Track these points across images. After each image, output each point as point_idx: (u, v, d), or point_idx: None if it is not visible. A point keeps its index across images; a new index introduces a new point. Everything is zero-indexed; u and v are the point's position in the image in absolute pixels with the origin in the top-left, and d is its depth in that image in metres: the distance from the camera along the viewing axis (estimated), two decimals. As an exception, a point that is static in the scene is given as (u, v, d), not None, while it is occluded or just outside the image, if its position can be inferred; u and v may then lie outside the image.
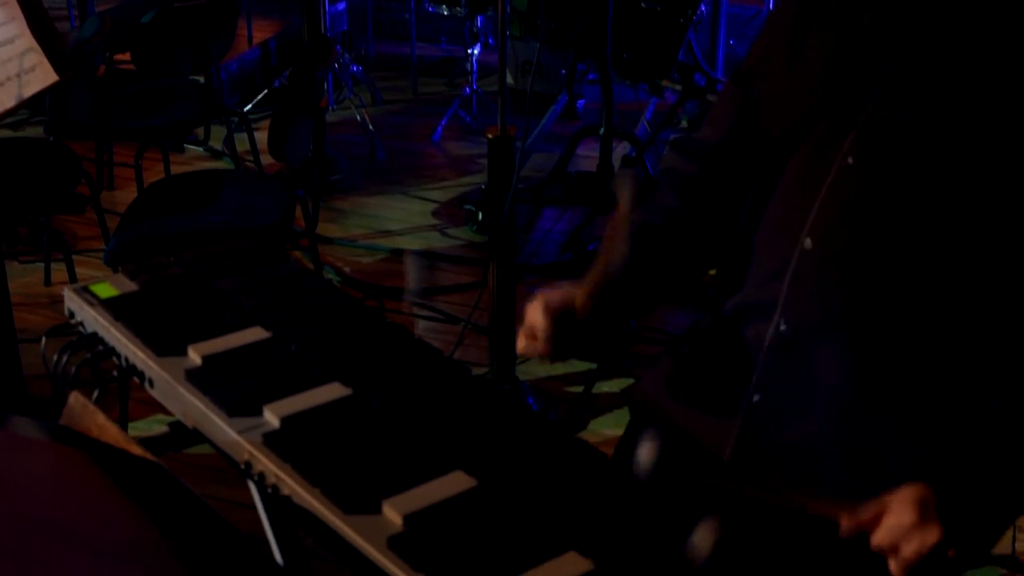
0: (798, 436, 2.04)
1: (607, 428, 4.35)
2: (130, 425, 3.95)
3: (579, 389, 4.56)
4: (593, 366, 4.67)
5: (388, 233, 5.87)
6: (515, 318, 4.39)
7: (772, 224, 2.11)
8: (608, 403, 4.51)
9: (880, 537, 1.82)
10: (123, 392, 3.94)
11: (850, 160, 1.97)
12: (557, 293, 2.19)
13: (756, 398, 2.09)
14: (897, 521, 1.81)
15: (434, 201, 6.24)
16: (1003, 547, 3.75)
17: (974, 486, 1.85)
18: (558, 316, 2.16)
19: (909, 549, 1.80)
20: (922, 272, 1.93)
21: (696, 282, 2.32)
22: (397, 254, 5.60)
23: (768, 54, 2.16)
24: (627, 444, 2.33)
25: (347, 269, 5.48)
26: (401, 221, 6.01)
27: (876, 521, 1.83)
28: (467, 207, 5.91)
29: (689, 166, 2.27)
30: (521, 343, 2.21)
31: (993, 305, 1.91)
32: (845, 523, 1.85)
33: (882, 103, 1.96)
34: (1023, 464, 1.85)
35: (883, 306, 1.96)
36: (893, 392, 1.98)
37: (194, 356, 2.23)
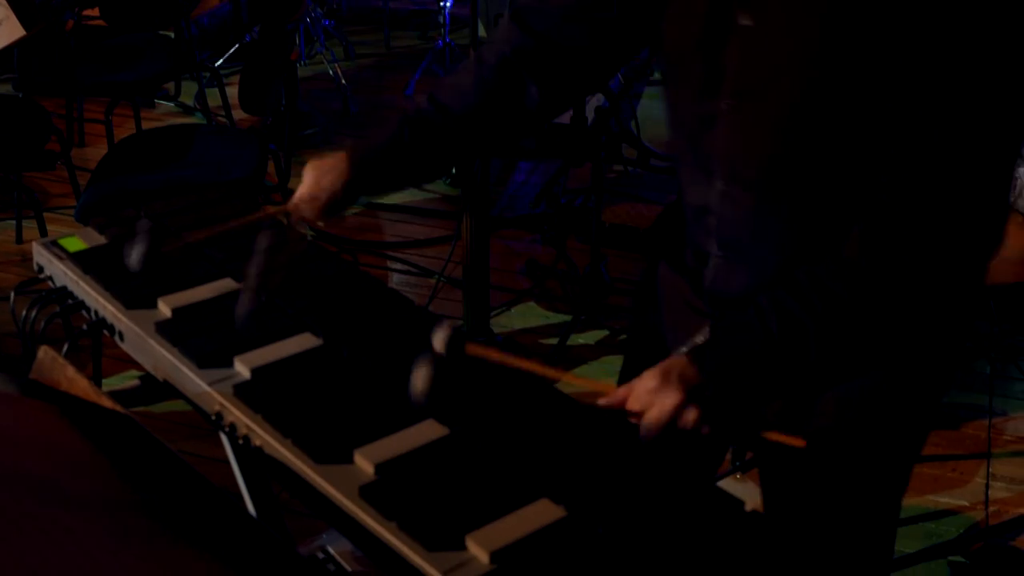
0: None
1: (582, 379, 4.34)
2: (104, 381, 3.93)
3: (554, 341, 4.56)
4: (568, 318, 4.67)
5: (361, 187, 5.84)
6: (489, 271, 4.40)
7: (685, 161, 2.12)
8: (583, 355, 4.51)
9: (632, 402, 1.87)
10: (96, 348, 3.93)
11: (724, 106, 1.95)
12: (324, 161, 2.27)
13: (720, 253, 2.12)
14: (643, 386, 1.86)
15: (407, 155, 6.20)
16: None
17: (727, 358, 1.87)
18: (322, 179, 2.24)
19: (651, 411, 1.84)
20: (827, 179, 1.93)
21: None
22: (371, 208, 5.58)
23: None
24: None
25: (320, 223, 5.45)
26: (374, 175, 5.98)
27: (629, 391, 1.89)
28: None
29: (508, 43, 2.22)
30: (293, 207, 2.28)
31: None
32: (602, 399, 1.92)
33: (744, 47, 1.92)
34: (788, 346, 1.85)
35: (798, 210, 1.97)
36: None
37: (164, 308, 2.22)
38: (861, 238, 1.85)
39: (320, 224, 2.32)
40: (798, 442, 1.91)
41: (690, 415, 1.84)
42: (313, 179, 2.24)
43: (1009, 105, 1.77)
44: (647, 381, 1.86)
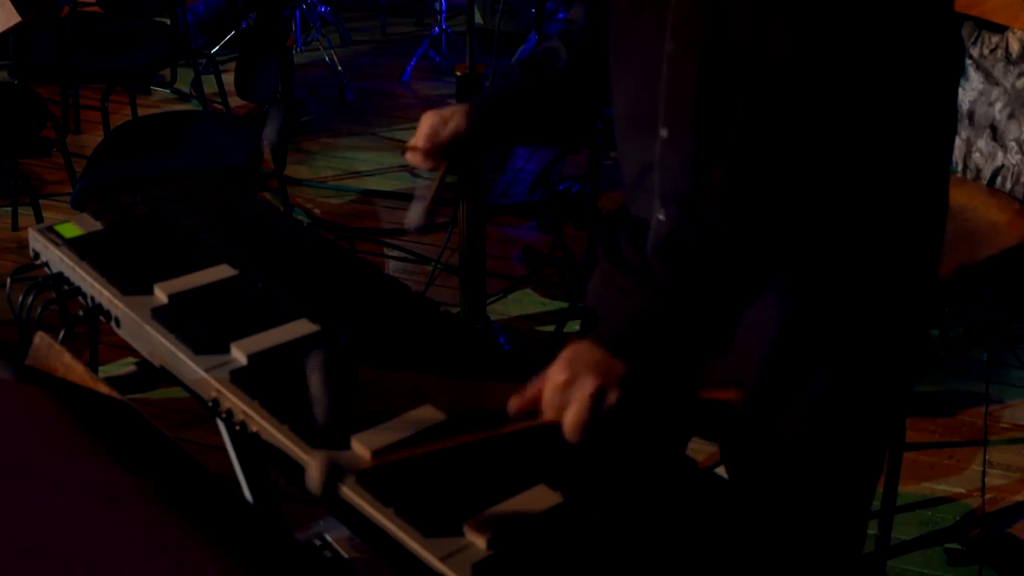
0: None
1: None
2: (100, 368, 3.93)
3: (550, 328, 4.56)
4: (565, 305, 4.67)
5: (358, 174, 5.84)
6: (486, 258, 4.40)
7: (629, 118, 2.14)
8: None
9: (546, 408, 1.77)
10: (92, 334, 3.93)
11: (671, 48, 1.98)
12: (442, 109, 2.30)
13: None
14: (552, 386, 1.77)
15: (404, 141, 6.12)
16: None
17: (625, 324, 1.82)
18: (436, 129, 2.27)
19: (569, 410, 1.75)
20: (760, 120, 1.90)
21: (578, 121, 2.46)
22: (367, 195, 5.58)
23: None
24: None
25: (317, 211, 5.45)
26: (371, 162, 5.98)
27: (539, 397, 1.79)
28: (437, 147, 5.87)
29: (580, 13, 2.39)
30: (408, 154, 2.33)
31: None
32: (512, 405, 1.80)
33: None
34: (676, 293, 1.81)
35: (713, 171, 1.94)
36: None
37: (160, 294, 2.22)
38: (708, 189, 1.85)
39: (431, 166, 2.33)
40: (734, 394, 1.85)
41: (611, 397, 1.76)
42: (432, 125, 2.27)
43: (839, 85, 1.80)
44: (555, 378, 1.77)
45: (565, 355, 1.79)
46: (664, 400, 1.88)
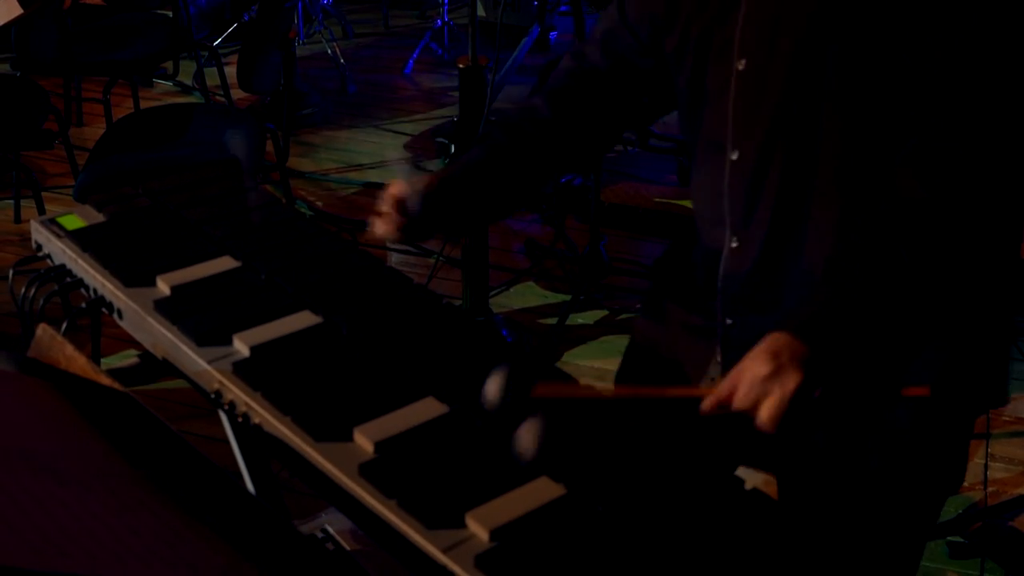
0: None
1: (580, 359, 4.35)
2: (103, 360, 3.93)
3: (552, 321, 4.56)
4: (567, 298, 4.66)
5: (360, 167, 5.84)
6: (488, 251, 4.39)
7: (707, 142, 2.11)
8: (581, 334, 4.51)
9: (740, 399, 1.78)
10: (95, 327, 3.92)
11: (741, 65, 1.98)
12: (415, 180, 2.17)
13: (728, 322, 2.09)
14: (752, 376, 1.77)
15: (406, 134, 6.20)
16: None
17: (831, 322, 1.81)
18: (404, 199, 2.13)
19: (769, 401, 1.76)
20: (835, 151, 1.93)
21: (546, 183, 2.40)
22: (369, 187, 5.57)
23: None
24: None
25: (319, 203, 5.45)
26: (373, 155, 5.97)
27: (732, 387, 1.80)
28: (439, 140, 5.88)
29: (568, 72, 2.29)
30: (374, 224, 2.20)
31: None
32: (705, 402, 1.82)
33: (750, 5, 1.96)
34: (886, 294, 1.82)
35: (807, 197, 1.97)
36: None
37: (163, 286, 2.21)
38: (918, 175, 1.83)
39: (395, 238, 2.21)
40: (926, 391, 1.86)
41: (814, 392, 1.77)
42: (396, 195, 2.15)
43: None
44: (757, 369, 1.77)
45: (766, 347, 1.78)
46: (861, 397, 1.88)
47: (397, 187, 2.14)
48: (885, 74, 1.86)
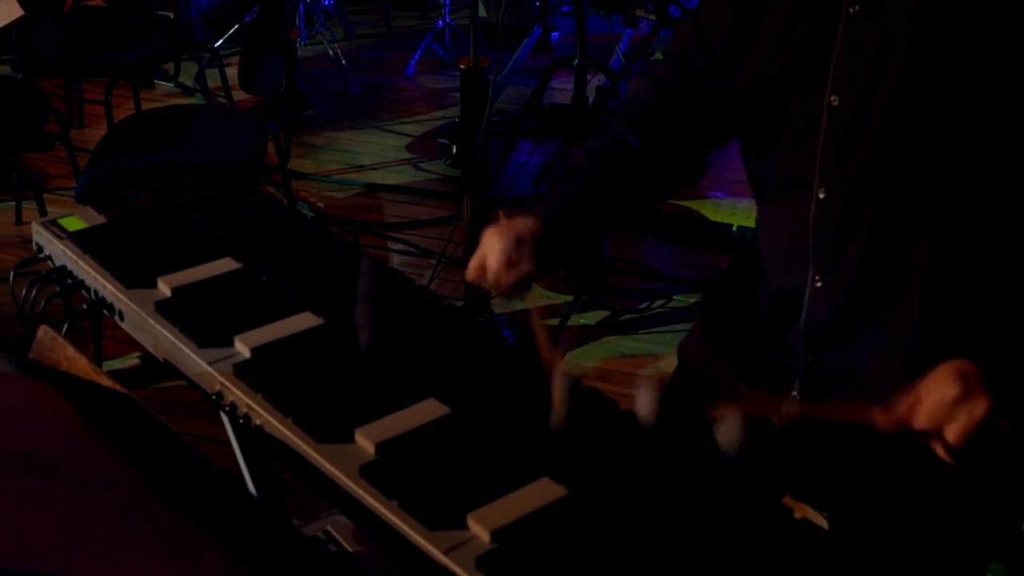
0: (857, 390, 2.02)
1: (584, 360, 4.35)
2: (105, 363, 3.93)
3: (555, 322, 4.55)
4: (570, 298, 4.66)
5: (362, 168, 5.84)
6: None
7: (785, 178, 2.05)
8: (584, 335, 4.51)
9: (923, 420, 1.74)
10: (97, 329, 3.93)
11: (835, 101, 1.93)
12: (510, 225, 2.09)
13: (810, 360, 2.07)
14: (940, 399, 1.72)
15: (408, 135, 6.20)
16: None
17: (1015, 351, 1.78)
18: (511, 248, 2.06)
19: (957, 424, 1.72)
20: (936, 188, 1.89)
21: (653, 211, 2.29)
22: (371, 189, 5.57)
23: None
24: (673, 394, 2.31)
25: (321, 204, 5.45)
26: (375, 156, 5.97)
27: (915, 407, 1.75)
28: (441, 141, 5.88)
29: (645, 92, 2.23)
30: (472, 275, 2.12)
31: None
32: (881, 418, 1.77)
33: (848, 36, 1.91)
34: None
35: (905, 236, 1.92)
36: (941, 313, 1.95)
37: (164, 288, 2.21)
38: None
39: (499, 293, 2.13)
40: None
41: (1001, 421, 1.73)
42: (507, 251, 2.05)
43: None
44: (945, 391, 1.72)
45: (954, 369, 1.74)
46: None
47: (503, 241, 2.06)
48: (994, 110, 1.83)
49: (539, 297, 4.73)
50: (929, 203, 1.89)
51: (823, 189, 1.96)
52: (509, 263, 2.05)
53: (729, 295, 2.26)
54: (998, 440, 1.76)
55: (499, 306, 4.59)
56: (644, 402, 1.84)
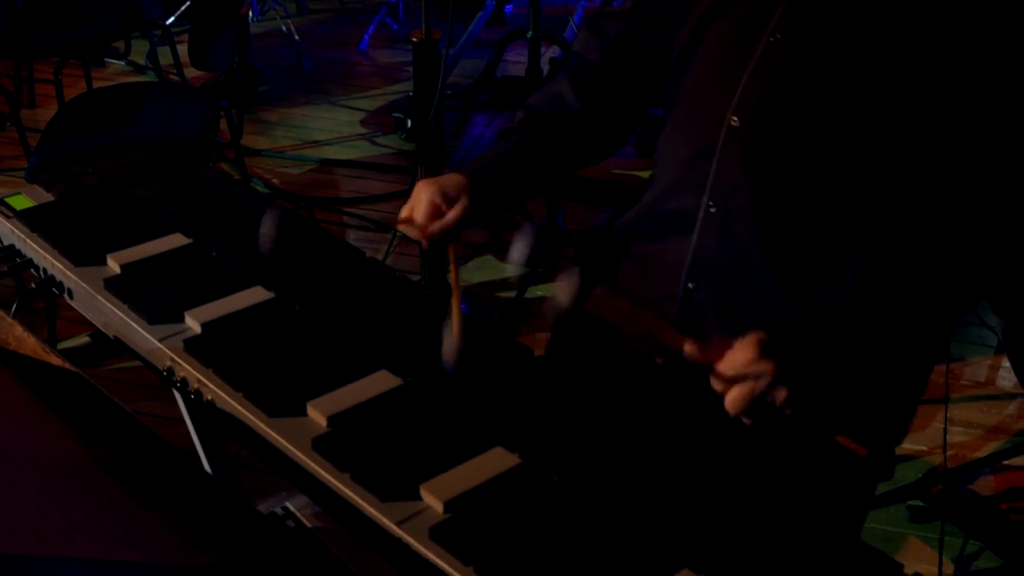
0: (734, 314, 2.05)
1: (541, 331, 4.34)
2: (59, 344, 3.90)
3: (512, 294, 4.55)
4: (525, 271, 4.66)
5: (316, 143, 5.81)
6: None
7: (695, 103, 2.09)
8: (541, 307, 4.50)
9: (721, 367, 1.81)
10: (51, 309, 3.90)
11: (778, 35, 1.97)
12: (439, 180, 2.13)
13: (691, 285, 2.08)
14: (737, 356, 1.79)
15: (362, 110, 6.18)
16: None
17: (810, 338, 1.85)
18: (437, 203, 2.10)
19: (745, 384, 1.79)
20: (843, 143, 1.93)
21: (591, 166, 2.36)
22: (326, 164, 5.55)
23: None
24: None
25: (275, 181, 5.42)
26: (329, 131, 5.95)
27: (720, 355, 1.82)
28: (395, 115, 5.86)
29: (593, 50, 2.27)
30: (400, 222, 2.16)
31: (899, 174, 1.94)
32: (689, 348, 1.83)
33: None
34: (867, 329, 1.85)
35: (807, 178, 1.96)
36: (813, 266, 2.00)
37: (113, 265, 2.20)
38: (921, 228, 1.86)
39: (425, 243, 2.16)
40: (862, 450, 1.91)
41: (781, 393, 1.80)
42: (432, 203, 2.09)
43: None
44: (745, 352, 1.79)
45: (759, 336, 1.80)
46: (809, 421, 1.91)
47: (430, 194, 2.09)
48: (913, 87, 1.88)
49: (494, 270, 4.73)
50: (822, 153, 1.94)
51: (736, 117, 1.99)
52: (434, 214, 2.09)
53: (628, 222, 2.29)
54: (775, 421, 1.84)
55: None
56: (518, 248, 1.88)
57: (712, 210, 2.04)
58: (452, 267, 2.11)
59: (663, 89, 2.22)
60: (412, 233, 2.13)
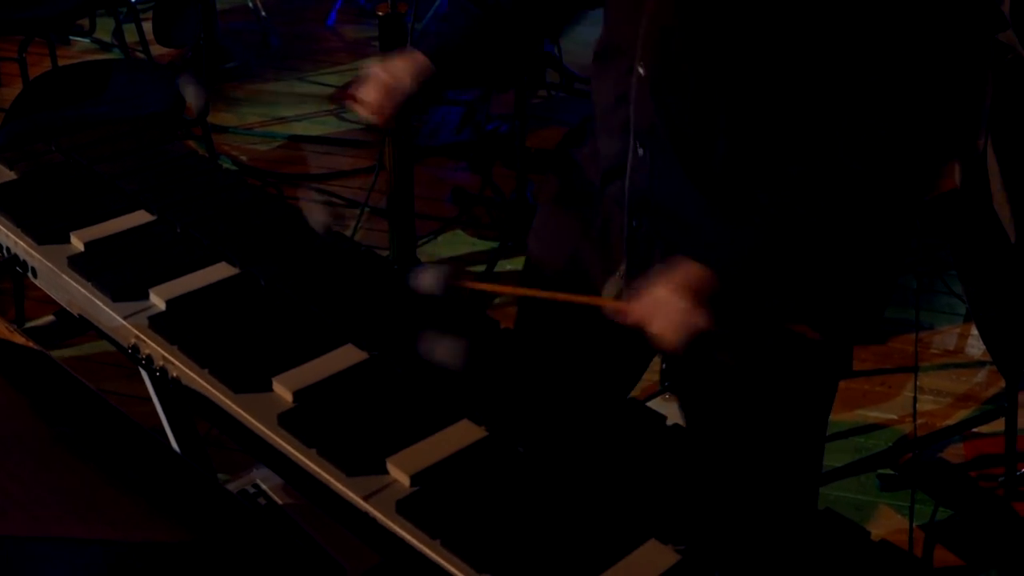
0: (679, 249, 2.06)
1: (511, 304, 4.34)
2: (27, 324, 3.88)
3: (482, 268, 4.54)
4: (495, 244, 4.65)
5: (284, 120, 5.78)
6: (414, 200, 4.37)
7: (610, 50, 2.10)
8: (511, 281, 4.50)
9: (638, 312, 1.84)
10: (18, 289, 3.88)
11: None
12: (394, 60, 2.16)
13: (634, 223, 2.09)
14: (652, 296, 1.83)
15: (330, 86, 6.14)
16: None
17: (733, 255, 1.88)
18: (390, 90, 2.12)
19: (661, 317, 1.82)
20: (743, 84, 1.93)
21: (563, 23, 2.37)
22: (294, 140, 5.53)
23: None
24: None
25: (244, 158, 5.40)
26: (297, 107, 5.92)
27: (636, 305, 1.85)
28: (363, 91, 5.82)
29: None
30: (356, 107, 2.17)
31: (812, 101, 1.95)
32: (609, 309, 1.87)
33: None
34: (777, 235, 1.88)
35: (717, 117, 1.97)
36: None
37: (76, 242, 2.18)
38: (846, 142, 1.86)
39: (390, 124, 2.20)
40: (813, 334, 1.95)
41: (704, 319, 1.82)
42: (385, 85, 2.12)
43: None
44: (656, 292, 1.83)
45: (681, 277, 1.84)
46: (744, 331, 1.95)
47: (383, 76, 2.13)
48: (813, 26, 1.87)
49: (464, 244, 4.73)
50: (734, 93, 1.94)
51: (642, 67, 2.00)
52: (388, 94, 2.12)
53: (568, 163, 2.32)
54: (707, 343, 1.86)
55: (425, 254, 4.57)
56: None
57: (640, 151, 2.06)
58: None
59: None
60: (363, 112, 2.15)
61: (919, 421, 3.76)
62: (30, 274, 2.21)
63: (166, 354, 1.90)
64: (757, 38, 1.89)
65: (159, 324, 1.96)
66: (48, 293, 2.18)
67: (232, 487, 2.63)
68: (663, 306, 1.83)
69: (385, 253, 4.38)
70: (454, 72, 2.21)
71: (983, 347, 3.58)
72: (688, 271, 1.85)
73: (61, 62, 5.73)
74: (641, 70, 1.99)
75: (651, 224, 2.08)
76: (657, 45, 1.97)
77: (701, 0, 1.90)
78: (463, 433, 1.72)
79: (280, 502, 2.70)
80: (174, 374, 1.89)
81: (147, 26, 5.55)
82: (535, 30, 2.34)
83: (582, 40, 2.40)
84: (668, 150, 2.01)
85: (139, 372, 2.10)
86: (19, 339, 1.86)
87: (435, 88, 2.18)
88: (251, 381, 1.82)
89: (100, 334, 2.07)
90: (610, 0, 2.09)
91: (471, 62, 2.24)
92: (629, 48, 2.01)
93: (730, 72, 1.93)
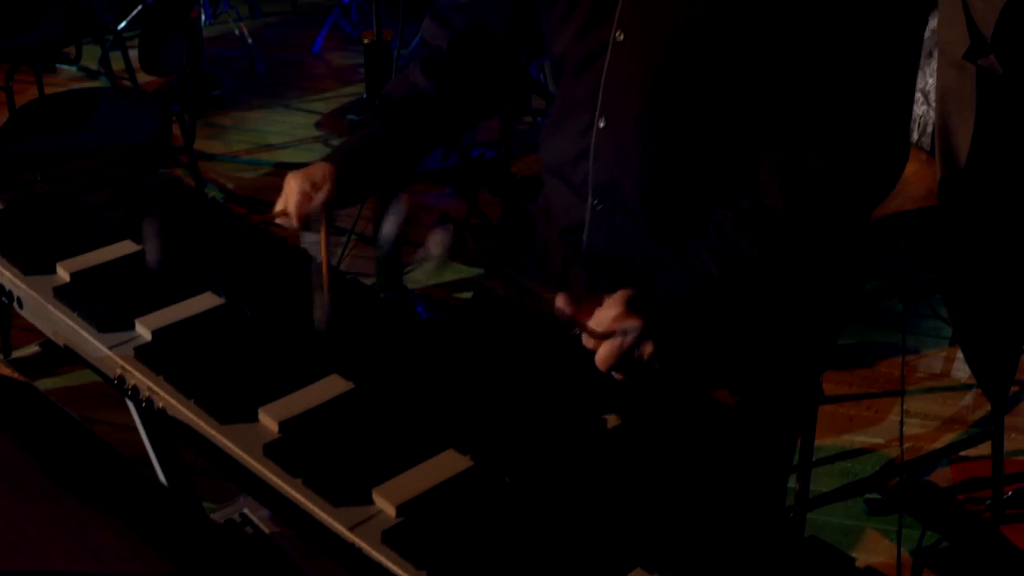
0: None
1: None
2: (13, 354, 3.88)
3: (468, 295, 4.54)
4: (482, 271, 4.66)
5: (271, 147, 5.79)
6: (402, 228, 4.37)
7: (567, 108, 2.13)
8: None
9: (590, 324, 1.85)
10: (4, 319, 3.88)
11: (620, 36, 1.99)
12: (306, 170, 2.28)
13: (593, 280, 2.14)
14: (605, 313, 1.83)
15: (317, 112, 6.16)
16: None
17: (675, 294, 1.89)
18: (307, 191, 2.25)
19: (613, 340, 1.83)
20: (710, 119, 1.97)
21: (450, 142, 2.47)
22: (280, 168, 5.53)
23: None
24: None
25: (230, 185, 5.40)
26: (284, 134, 5.93)
27: (590, 312, 1.86)
28: (350, 117, 5.84)
29: (441, 38, 2.34)
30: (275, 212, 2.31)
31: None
32: (560, 303, 1.87)
33: None
34: (728, 284, 1.89)
35: (682, 159, 2.00)
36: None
37: (62, 273, 2.18)
38: (781, 184, 1.89)
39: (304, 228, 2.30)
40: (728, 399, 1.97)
41: (647, 347, 1.83)
42: (302, 191, 2.25)
43: (906, 31, 1.87)
44: (612, 308, 1.83)
45: (628, 294, 1.84)
46: (678, 374, 1.94)
47: (299, 184, 2.25)
48: (760, 61, 1.91)
49: (451, 272, 4.73)
50: (699, 145, 1.99)
51: (603, 119, 2.03)
52: (305, 202, 2.24)
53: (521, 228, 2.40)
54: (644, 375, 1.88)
55: (412, 281, 4.57)
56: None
57: (599, 207, 2.09)
58: (322, 240, 2.22)
59: (514, 68, 2.35)
60: (287, 223, 2.26)
61: (906, 445, 3.77)
62: (16, 305, 2.20)
63: (152, 384, 1.90)
64: (718, 83, 1.94)
65: (145, 355, 1.95)
66: (34, 323, 2.18)
67: (219, 516, 2.63)
68: (616, 324, 1.83)
69: (371, 281, 4.39)
70: (367, 177, 2.30)
71: (969, 370, 3.59)
72: (642, 299, 1.86)
73: (47, 90, 5.74)
74: (602, 123, 2.03)
75: (610, 280, 2.09)
76: (617, 96, 2.01)
77: (661, 50, 1.95)
78: (449, 463, 1.71)
79: (267, 531, 2.69)
80: (160, 405, 1.89)
81: (133, 54, 5.57)
82: (461, 118, 2.41)
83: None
84: (628, 202, 2.04)
85: (124, 401, 2.10)
86: (3, 370, 1.86)
87: (354, 192, 2.29)
88: (237, 411, 1.81)
89: (86, 364, 2.07)
90: (565, 61, 2.11)
91: (381, 167, 2.31)
92: (589, 102, 2.05)
93: (692, 117, 1.97)
